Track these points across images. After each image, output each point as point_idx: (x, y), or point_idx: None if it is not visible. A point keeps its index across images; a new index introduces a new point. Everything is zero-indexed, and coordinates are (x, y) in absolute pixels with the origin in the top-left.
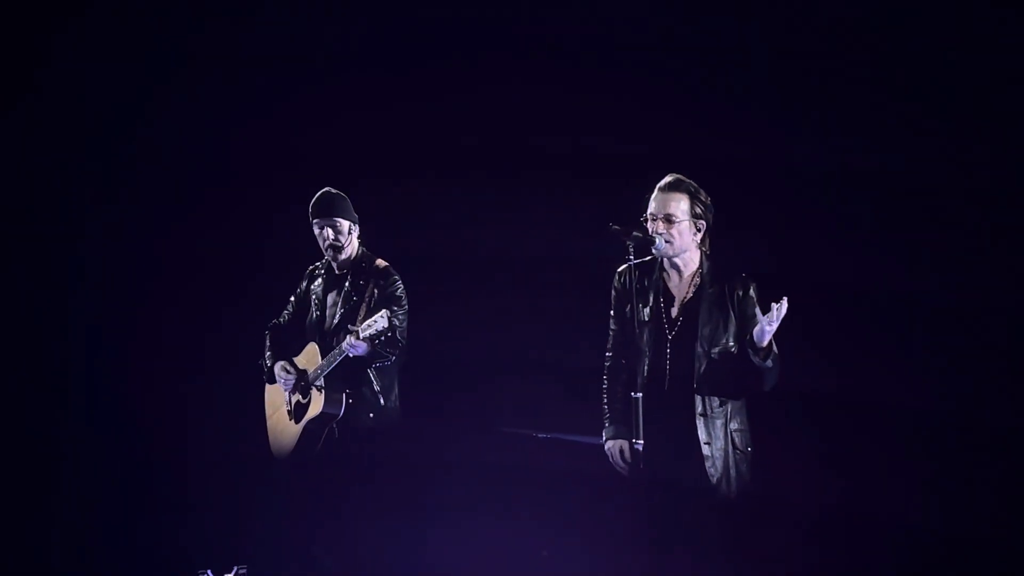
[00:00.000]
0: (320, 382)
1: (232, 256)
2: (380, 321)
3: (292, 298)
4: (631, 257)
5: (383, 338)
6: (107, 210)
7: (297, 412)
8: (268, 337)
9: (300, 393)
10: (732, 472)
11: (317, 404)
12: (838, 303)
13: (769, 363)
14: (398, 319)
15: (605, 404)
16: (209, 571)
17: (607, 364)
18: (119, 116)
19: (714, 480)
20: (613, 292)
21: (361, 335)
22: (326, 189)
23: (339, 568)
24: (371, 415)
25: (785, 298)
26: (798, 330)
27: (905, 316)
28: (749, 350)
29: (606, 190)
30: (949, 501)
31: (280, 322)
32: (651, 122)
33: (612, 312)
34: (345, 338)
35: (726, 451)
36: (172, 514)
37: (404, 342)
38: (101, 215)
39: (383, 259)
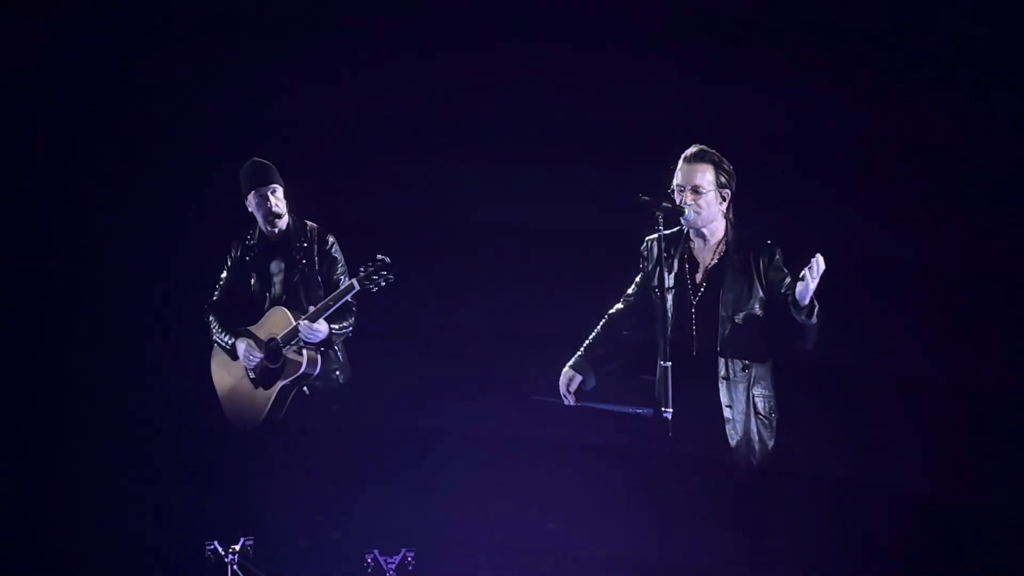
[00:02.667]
0: (298, 343)
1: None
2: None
3: (224, 273)
4: (660, 228)
5: (371, 288)
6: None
7: (265, 377)
8: (212, 319)
9: (270, 359)
10: (754, 436)
11: (295, 366)
12: (865, 273)
13: (814, 319)
14: (365, 271)
15: (586, 342)
16: (216, 543)
17: (610, 311)
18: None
19: (733, 443)
20: (640, 259)
21: (315, 326)
22: (253, 159)
23: (344, 537)
24: (336, 372)
25: (819, 254)
26: (826, 301)
27: (933, 288)
28: (792, 309)
29: (627, 161)
30: (971, 474)
31: (216, 299)
32: (666, 92)
33: (637, 278)
34: (300, 325)
35: (747, 415)
36: (177, 488)
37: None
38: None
39: (312, 221)
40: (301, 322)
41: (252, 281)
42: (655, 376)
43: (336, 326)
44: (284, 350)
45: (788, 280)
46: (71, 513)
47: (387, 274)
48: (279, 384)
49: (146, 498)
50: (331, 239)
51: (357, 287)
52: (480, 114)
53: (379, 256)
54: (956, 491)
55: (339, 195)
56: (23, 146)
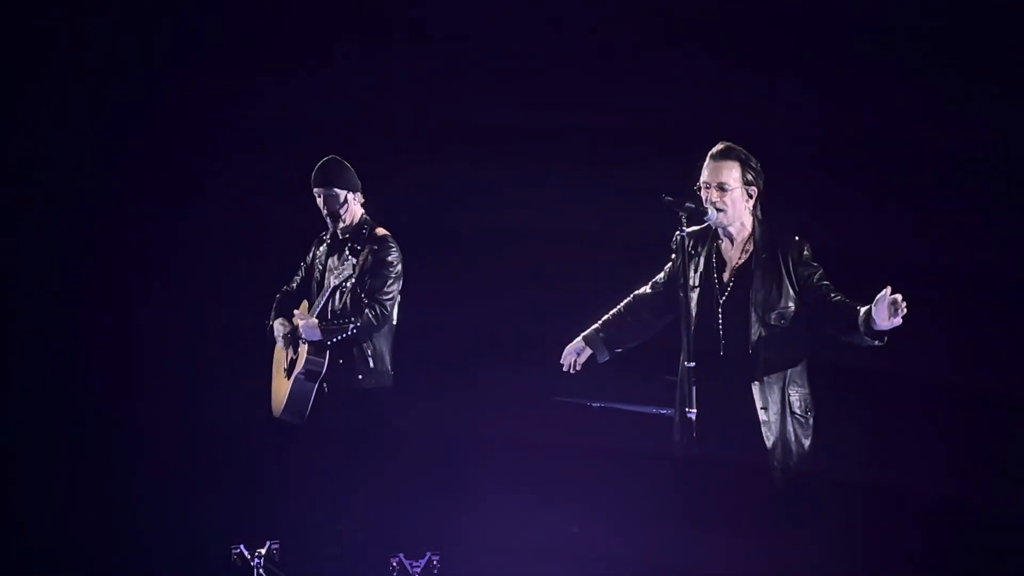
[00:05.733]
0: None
1: (247, 228)
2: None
3: (302, 264)
4: (683, 227)
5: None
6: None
7: (289, 367)
8: (276, 302)
9: (292, 348)
10: (790, 437)
11: (302, 357)
12: (897, 275)
13: (878, 343)
14: (380, 280)
15: (605, 317)
16: (242, 546)
17: (636, 291)
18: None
19: (769, 444)
20: (671, 251)
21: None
22: (328, 157)
23: (369, 540)
24: (359, 376)
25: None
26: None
27: (964, 290)
28: (861, 328)
29: (654, 163)
30: (1011, 480)
31: (289, 288)
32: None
33: (667, 266)
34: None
35: (782, 416)
36: (204, 491)
37: (386, 311)
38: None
39: (385, 228)
40: (298, 317)
41: (315, 276)
42: (677, 376)
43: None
44: (300, 341)
45: (820, 272)
46: (98, 516)
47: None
48: (294, 374)
49: (173, 502)
50: (391, 245)
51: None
52: (504, 116)
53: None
54: (984, 494)
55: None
56: (66, 144)
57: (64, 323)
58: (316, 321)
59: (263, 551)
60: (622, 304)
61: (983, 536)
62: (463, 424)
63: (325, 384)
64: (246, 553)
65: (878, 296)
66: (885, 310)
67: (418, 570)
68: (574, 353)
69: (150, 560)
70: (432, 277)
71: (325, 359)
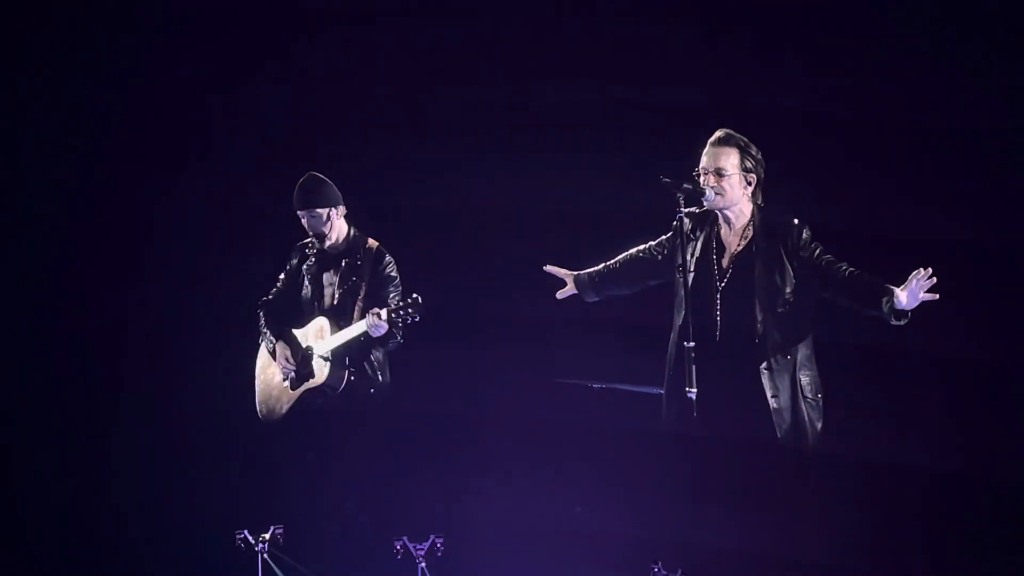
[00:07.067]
0: (327, 355)
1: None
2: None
3: (282, 275)
4: (681, 209)
5: (398, 321)
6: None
7: (295, 379)
8: (262, 315)
9: (300, 362)
10: (805, 421)
11: (320, 375)
12: (903, 252)
13: (903, 322)
14: (394, 301)
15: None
16: (246, 532)
17: (634, 250)
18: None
19: (780, 432)
20: (673, 229)
21: (383, 317)
22: (307, 175)
23: (373, 524)
24: (371, 390)
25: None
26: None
27: (972, 266)
28: (886, 310)
29: (657, 143)
30: (1010, 454)
31: (270, 298)
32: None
33: (665, 238)
34: (366, 317)
35: (794, 401)
36: (208, 477)
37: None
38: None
39: (375, 238)
40: (370, 316)
41: (304, 289)
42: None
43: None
44: (314, 360)
45: (820, 250)
46: (103, 501)
47: (414, 313)
48: (302, 388)
49: (177, 487)
50: (388, 259)
51: (364, 328)
52: (504, 100)
53: (413, 295)
54: (996, 470)
55: (365, 184)
56: (64, 136)
57: (66, 306)
58: (386, 326)
59: (267, 536)
60: (618, 260)
61: (996, 512)
62: (465, 407)
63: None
64: (250, 538)
65: (911, 276)
66: (916, 294)
67: (422, 553)
68: (563, 289)
69: (155, 545)
70: (431, 259)
71: (344, 379)
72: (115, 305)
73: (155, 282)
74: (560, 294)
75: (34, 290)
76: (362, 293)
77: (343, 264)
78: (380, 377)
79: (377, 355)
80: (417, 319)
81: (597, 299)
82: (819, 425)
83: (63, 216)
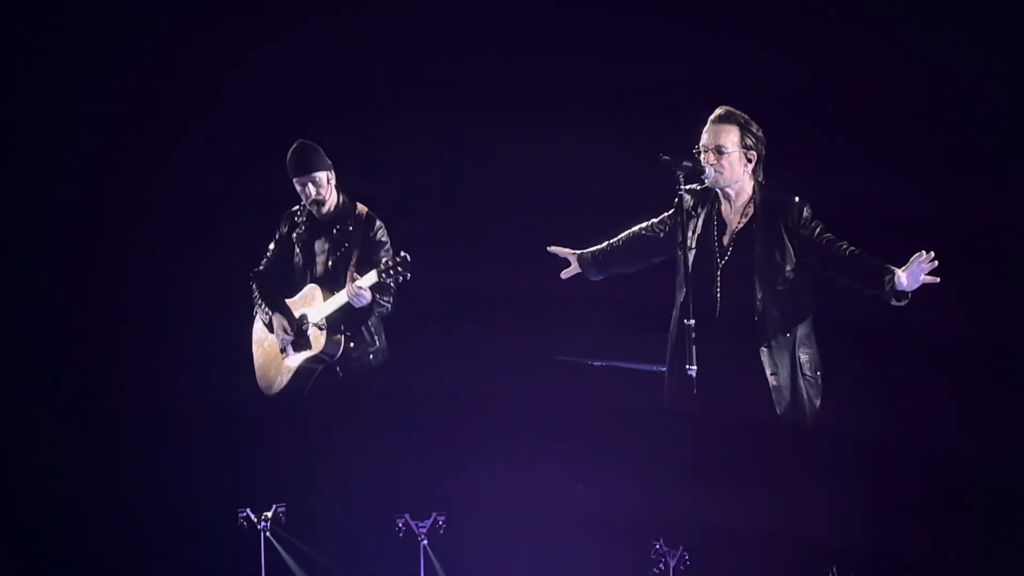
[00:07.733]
0: (322, 322)
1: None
2: (371, 276)
3: (272, 244)
4: (681, 186)
5: (390, 282)
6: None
7: (292, 348)
8: (255, 286)
9: (297, 332)
10: (804, 399)
11: (317, 343)
12: (901, 233)
13: (903, 303)
14: (384, 264)
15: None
16: (248, 510)
17: (636, 227)
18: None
19: (780, 410)
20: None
21: (363, 286)
22: (299, 143)
23: (375, 502)
24: (371, 356)
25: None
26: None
27: (970, 248)
28: (887, 289)
29: (658, 121)
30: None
31: (261, 269)
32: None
33: (667, 215)
34: (346, 286)
35: (793, 379)
36: (210, 455)
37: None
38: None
39: (364, 204)
40: (349, 286)
41: (296, 257)
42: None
43: (380, 297)
44: (309, 328)
45: (821, 228)
46: (105, 481)
47: (403, 271)
48: (301, 356)
49: (179, 465)
50: (378, 224)
51: (352, 302)
52: (506, 79)
53: (401, 253)
54: (995, 449)
55: (366, 164)
56: (64, 120)
57: (63, 287)
58: (370, 293)
59: (269, 514)
60: (621, 238)
61: (994, 491)
62: (467, 385)
63: (339, 368)
64: (253, 516)
65: (913, 258)
66: (917, 276)
67: (424, 531)
68: (567, 268)
69: (157, 524)
70: (434, 238)
71: (341, 345)
72: (112, 286)
73: (150, 261)
74: (565, 274)
75: (31, 275)
76: (354, 259)
77: (334, 231)
78: (376, 342)
79: (372, 319)
80: (408, 277)
81: (601, 277)
82: (818, 403)
83: (56, 205)
